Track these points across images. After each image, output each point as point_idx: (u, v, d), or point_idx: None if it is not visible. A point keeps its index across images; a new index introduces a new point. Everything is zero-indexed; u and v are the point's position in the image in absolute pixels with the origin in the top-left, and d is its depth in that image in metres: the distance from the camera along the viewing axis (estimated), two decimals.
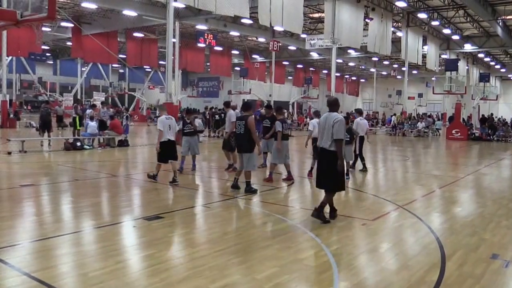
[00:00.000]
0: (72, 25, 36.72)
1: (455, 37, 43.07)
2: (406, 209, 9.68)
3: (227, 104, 15.43)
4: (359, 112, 16.28)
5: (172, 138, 12.27)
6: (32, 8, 10.15)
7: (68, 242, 7.00)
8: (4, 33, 30.97)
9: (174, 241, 7.37)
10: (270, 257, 6.41)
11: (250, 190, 11.02)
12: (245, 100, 57.29)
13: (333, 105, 8.46)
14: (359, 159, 15.27)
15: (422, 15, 37.01)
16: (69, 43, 46.19)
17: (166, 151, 12.17)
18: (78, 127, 22.71)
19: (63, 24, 39.56)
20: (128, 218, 8.68)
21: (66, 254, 6.43)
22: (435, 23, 38.46)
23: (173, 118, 12.70)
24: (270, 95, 45.01)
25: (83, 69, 55.13)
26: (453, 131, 34.29)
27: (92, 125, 20.98)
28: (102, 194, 11.19)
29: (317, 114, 15.24)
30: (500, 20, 36.29)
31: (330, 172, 8.18)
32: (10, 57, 41.85)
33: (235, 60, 56.62)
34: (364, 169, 15.32)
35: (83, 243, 7.03)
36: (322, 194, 11.79)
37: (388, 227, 8.43)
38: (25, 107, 58.33)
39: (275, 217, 8.77)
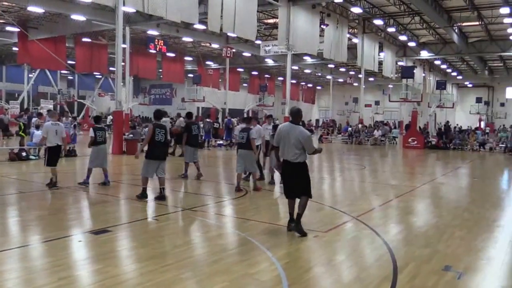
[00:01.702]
0: (18, 29, 35.73)
1: (411, 43, 43.31)
2: (360, 220, 9.57)
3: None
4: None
5: (60, 143, 12.55)
6: None
7: (11, 257, 6.72)
8: None
9: (122, 256, 7.12)
10: (220, 272, 6.26)
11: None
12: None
13: (296, 115, 8.37)
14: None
15: (378, 22, 36.88)
16: (15, 49, 44.84)
17: (55, 156, 12.49)
18: (21, 133, 22.26)
19: (9, 28, 38.55)
20: (74, 231, 8.33)
21: (9, 270, 6.13)
22: (391, 29, 38.62)
23: (60, 124, 13.08)
24: (224, 103, 44.65)
25: (30, 75, 53.62)
26: (410, 140, 34.62)
27: (38, 134, 19.85)
28: (48, 207, 10.73)
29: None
30: (456, 27, 36.79)
31: (302, 179, 8.20)
32: None
33: (188, 67, 56.00)
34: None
35: (27, 259, 6.77)
36: (276, 205, 11.67)
37: (341, 239, 8.30)
38: None
39: (228, 230, 8.62)
